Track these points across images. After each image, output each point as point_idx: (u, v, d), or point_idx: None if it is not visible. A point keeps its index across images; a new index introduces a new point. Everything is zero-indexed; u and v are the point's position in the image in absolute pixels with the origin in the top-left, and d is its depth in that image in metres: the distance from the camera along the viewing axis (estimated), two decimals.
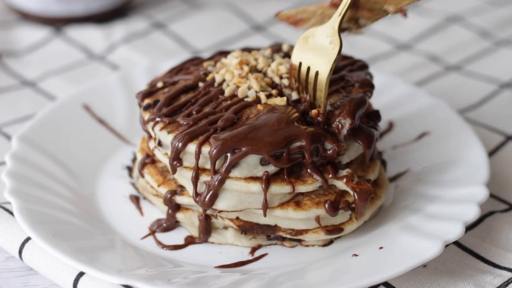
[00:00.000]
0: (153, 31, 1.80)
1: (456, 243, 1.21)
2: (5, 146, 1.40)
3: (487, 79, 1.64)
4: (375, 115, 1.25)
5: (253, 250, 1.19)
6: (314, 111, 1.17)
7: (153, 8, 1.89)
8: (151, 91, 1.25)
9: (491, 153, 1.40)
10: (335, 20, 1.19)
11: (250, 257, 1.18)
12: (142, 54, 1.71)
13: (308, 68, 1.20)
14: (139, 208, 1.27)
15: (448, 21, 1.85)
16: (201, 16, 1.87)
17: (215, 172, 1.14)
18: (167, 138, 1.16)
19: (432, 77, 1.65)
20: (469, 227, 1.24)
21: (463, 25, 1.83)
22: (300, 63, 1.21)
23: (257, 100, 1.19)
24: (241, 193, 1.15)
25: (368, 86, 1.23)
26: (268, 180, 1.14)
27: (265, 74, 1.24)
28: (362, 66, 1.28)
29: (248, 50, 1.33)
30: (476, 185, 1.22)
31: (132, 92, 1.45)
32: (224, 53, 1.33)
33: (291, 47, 1.30)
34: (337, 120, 1.17)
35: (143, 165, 1.25)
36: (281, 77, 1.23)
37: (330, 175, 1.16)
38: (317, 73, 1.19)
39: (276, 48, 1.32)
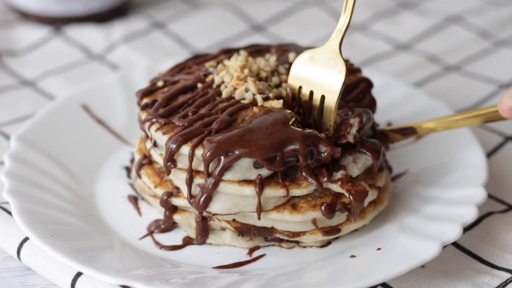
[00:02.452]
0: (152, 31, 1.80)
1: (454, 244, 1.21)
2: (4, 146, 1.40)
3: (487, 79, 1.64)
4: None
5: (251, 250, 1.19)
6: (322, 135, 1.16)
7: (153, 8, 1.89)
8: (150, 90, 1.25)
9: (490, 154, 1.40)
10: (334, 42, 1.18)
11: (248, 258, 1.18)
12: (141, 54, 1.71)
13: (311, 92, 1.19)
14: (137, 208, 1.27)
15: (447, 21, 1.84)
16: (201, 16, 1.87)
17: (209, 174, 1.13)
18: (162, 139, 1.16)
19: (432, 78, 1.65)
20: (468, 228, 1.24)
21: (463, 25, 1.83)
22: (300, 87, 1.20)
23: (254, 102, 1.19)
24: (235, 196, 1.14)
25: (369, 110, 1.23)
26: (262, 184, 1.13)
27: (268, 83, 1.23)
28: (367, 87, 1.27)
29: (254, 47, 1.32)
30: (474, 187, 1.22)
31: (131, 92, 1.45)
32: (229, 52, 1.32)
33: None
34: (346, 122, 1.16)
35: (140, 165, 1.25)
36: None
37: (325, 178, 1.15)
38: (322, 97, 1.18)
39: (282, 53, 1.31)
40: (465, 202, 1.19)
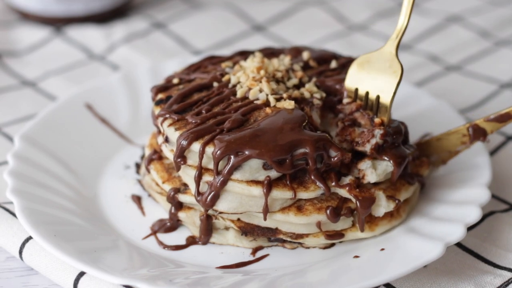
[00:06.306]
0: (153, 31, 1.80)
1: (457, 243, 1.21)
2: (5, 146, 1.40)
3: (487, 79, 1.64)
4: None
5: (255, 250, 1.19)
6: (377, 120, 1.18)
7: (153, 8, 1.89)
8: (166, 86, 1.25)
9: (492, 153, 1.41)
10: (391, 45, 1.20)
11: (251, 258, 1.18)
12: (142, 54, 1.71)
13: (367, 93, 1.21)
14: (140, 208, 1.27)
15: (448, 21, 1.85)
16: (201, 16, 1.87)
17: (218, 173, 1.14)
18: (174, 135, 1.16)
19: (432, 77, 1.65)
20: (470, 227, 1.23)
21: (463, 25, 1.83)
22: (357, 89, 1.22)
23: (267, 103, 1.19)
24: (243, 196, 1.15)
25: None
26: (269, 185, 1.13)
27: (285, 85, 1.24)
28: None
29: (269, 50, 1.32)
30: (478, 187, 1.22)
31: (135, 91, 1.45)
32: (244, 54, 1.33)
33: (311, 57, 1.31)
34: (370, 129, 1.17)
35: (150, 160, 1.25)
36: (312, 95, 1.22)
37: (333, 183, 1.15)
38: (377, 96, 1.20)
39: (295, 54, 1.31)
40: (468, 203, 1.19)
